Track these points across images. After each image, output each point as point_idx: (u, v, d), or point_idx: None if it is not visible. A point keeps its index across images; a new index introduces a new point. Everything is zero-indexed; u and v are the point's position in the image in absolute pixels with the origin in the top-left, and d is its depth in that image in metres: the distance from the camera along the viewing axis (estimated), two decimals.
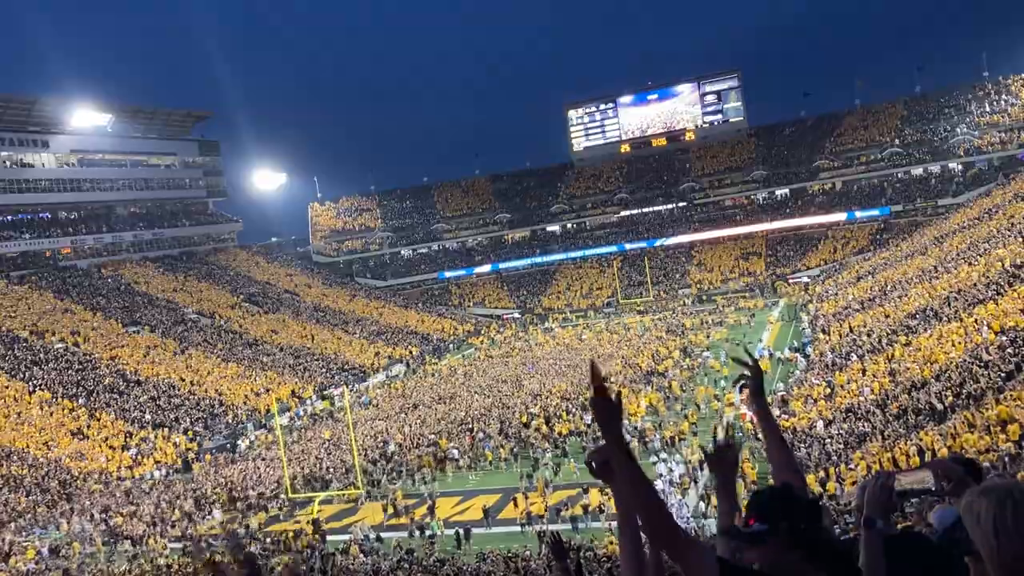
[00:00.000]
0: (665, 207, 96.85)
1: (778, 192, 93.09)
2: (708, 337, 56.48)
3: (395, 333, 74.76)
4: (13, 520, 35.23)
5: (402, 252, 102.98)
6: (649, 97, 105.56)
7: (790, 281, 75.88)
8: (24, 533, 33.96)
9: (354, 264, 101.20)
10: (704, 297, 77.28)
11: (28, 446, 42.65)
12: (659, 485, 26.90)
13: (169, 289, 74.33)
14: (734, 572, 2.43)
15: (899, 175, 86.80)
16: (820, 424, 30.51)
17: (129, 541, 32.04)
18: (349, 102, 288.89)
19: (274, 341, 67.20)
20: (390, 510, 32.28)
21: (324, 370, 62.08)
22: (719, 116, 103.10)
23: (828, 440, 28.39)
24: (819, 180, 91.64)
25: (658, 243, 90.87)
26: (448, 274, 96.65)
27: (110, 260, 77.42)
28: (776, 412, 33.09)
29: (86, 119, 79.08)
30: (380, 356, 67.26)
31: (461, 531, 28.46)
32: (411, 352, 69.38)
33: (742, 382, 3.38)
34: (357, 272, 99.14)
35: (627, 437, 25.43)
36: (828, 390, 34.48)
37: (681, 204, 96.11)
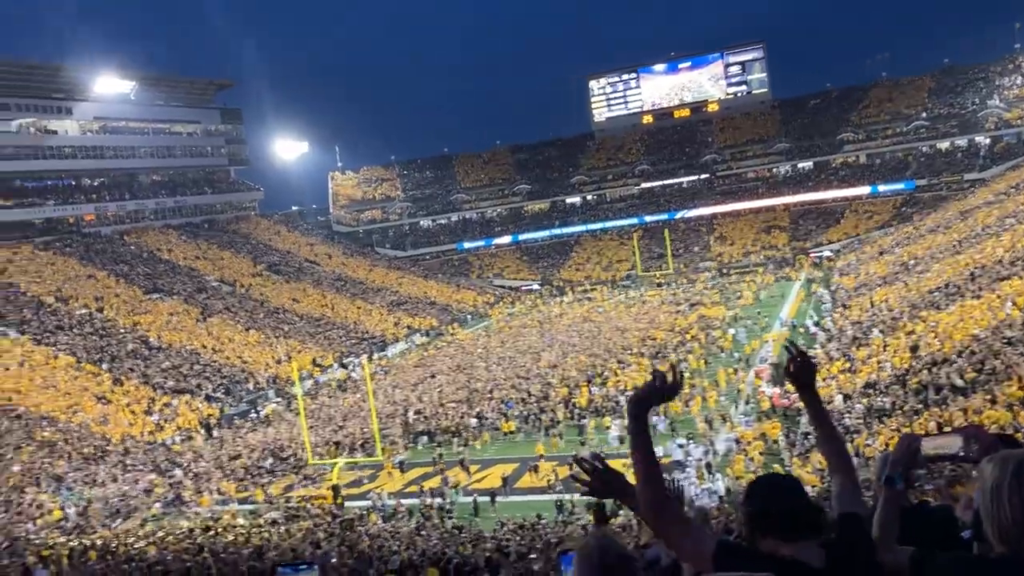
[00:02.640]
0: (686, 179, 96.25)
1: (801, 165, 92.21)
2: (728, 311, 56.34)
3: (414, 303, 75.08)
4: (43, 481, 35.91)
5: (422, 222, 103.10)
6: (675, 67, 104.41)
7: (812, 255, 75.40)
8: (54, 493, 34.62)
9: (374, 234, 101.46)
10: (725, 270, 76.95)
11: (54, 410, 43.34)
12: (680, 475, 26.96)
13: (191, 257, 74.88)
14: (734, 554, 2.38)
15: (925, 149, 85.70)
16: (839, 398, 30.45)
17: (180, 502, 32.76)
18: (370, 72, 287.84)
19: (295, 310, 67.69)
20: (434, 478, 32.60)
21: (344, 339, 62.52)
22: (743, 88, 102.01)
23: (847, 415, 28.35)
24: (843, 153, 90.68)
25: (679, 215, 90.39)
26: (467, 245, 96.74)
27: (133, 227, 78.01)
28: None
29: (109, 86, 79.34)
30: (399, 326, 67.63)
31: (482, 498, 28.88)
32: (431, 322, 69.71)
33: (785, 374, 3.16)
34: (377, 242, 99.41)
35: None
36: (848, 364, 34.36)
37: (703, 176, 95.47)
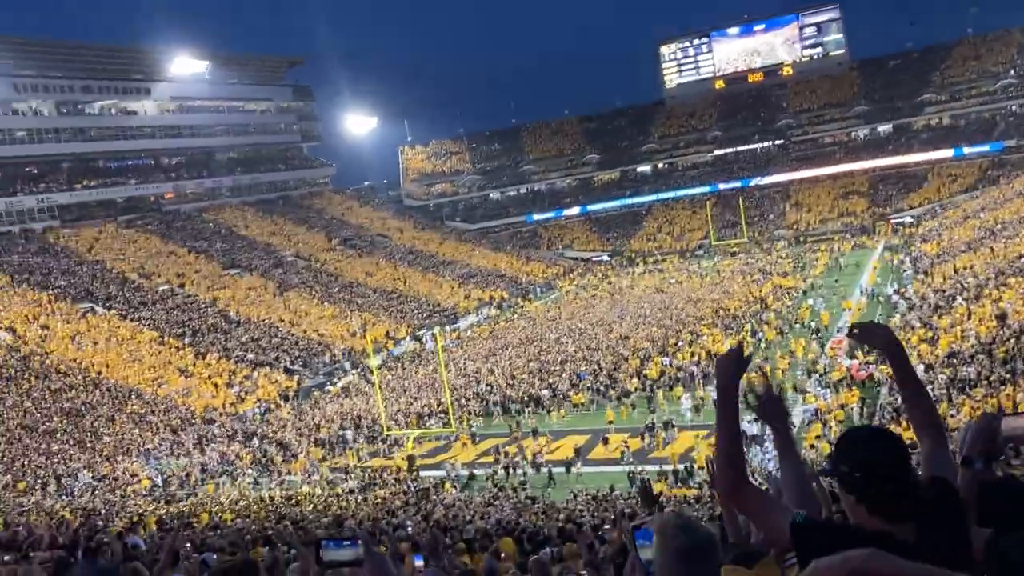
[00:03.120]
0: (761, 145, 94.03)
1: (880, 128, 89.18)
2: (804, 280, 55.13)
3: (484, 276, 75.42)
4: (132, 451, 37.40)
5: (491, 195, 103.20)
6: (750, 29, 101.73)
7: (892, 221, 73.11)
8: (143, 462, 36.01)
9: (444, 207, 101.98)
10: (801, 238, 75.21)
11: (140, 383, 44.98)
12: (758, 449, 26.64)
13: (267, 232, 76.50)
14: (812, 529, 2.21)
15: (1014, 108, 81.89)
16: (920, 368, 29.56)
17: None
18: (438, 45, 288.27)
19: (368, 283, 68.71)
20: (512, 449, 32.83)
21: (416, 312, 63.24)
22: (819, 50, 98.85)
23: (929, 386, 27.51)
24: (925, 115, 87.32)
25: (753, 183, 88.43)
26: (537, 217, 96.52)
27: (210, 204, 80.00)
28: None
29: (184, 66, 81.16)
30: (470, 298, 68.08)
31: (556, 468, 29.02)
32: (501, 295, 69.98)
33: (757, 414, 2.99)
34: (447, 215, 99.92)
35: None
36: (930, 334, 33.31)
37: (778, 142, 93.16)
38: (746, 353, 2.58)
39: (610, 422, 32.96)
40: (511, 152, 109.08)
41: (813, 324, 41.57)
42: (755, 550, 2.52)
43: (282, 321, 56.85)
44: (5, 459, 35.19)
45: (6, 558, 10.63)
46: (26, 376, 42.66)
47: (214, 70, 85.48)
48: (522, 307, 66.36)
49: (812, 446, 25.95)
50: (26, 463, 35.04)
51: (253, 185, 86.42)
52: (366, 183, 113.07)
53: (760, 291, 52.29)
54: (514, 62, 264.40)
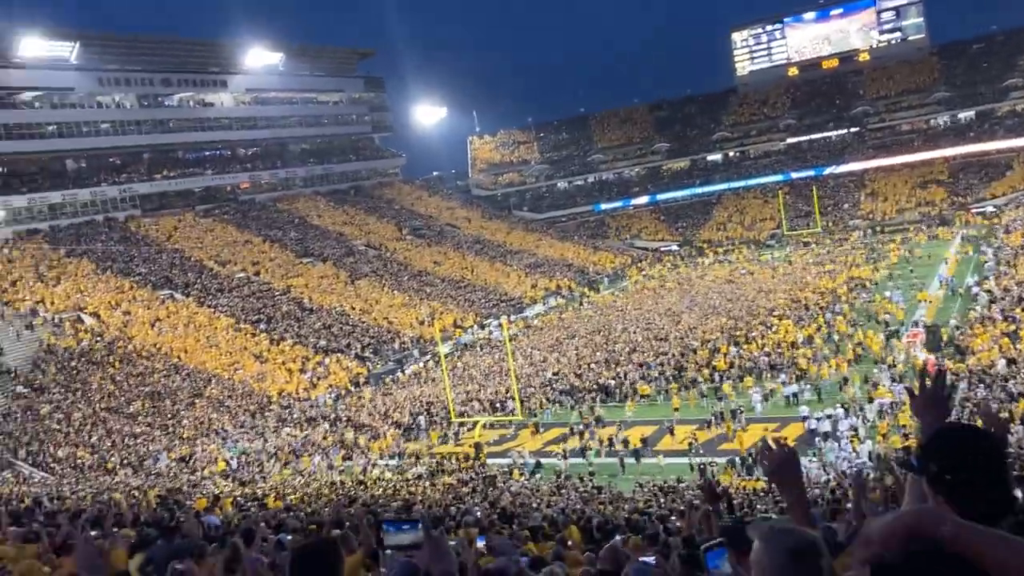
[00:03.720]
0: (835, 133, 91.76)
1: (962, 115, 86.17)
2: (877, 271, 53.74)
3: (551, 265, 75.44)
4: (209, 433, 38.61)
5: (558, 184, 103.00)
6: (826, 14, 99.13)
7: (972, 210, 70.66)
8: (220, 445, 37.13)
9: (511, 197, 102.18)
10: (877, 228, 73.24)
11: (217, 368, 46.34)
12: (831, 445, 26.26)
13: (339, 222, 77.79)
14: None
15: None
16: (1002, 363, 28.64)
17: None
18: (508, 35, 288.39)
19: (437, 272, 69.39)
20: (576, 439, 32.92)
21: (484, 301, 63.67)
22: (897, 34, 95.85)
23: (1011, 380, 26.64)
24: (1009, 101, 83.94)
25: (827, 171, 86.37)
26: (604, 206, 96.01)
27: (284, 194, 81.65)
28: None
29: (259, 59, 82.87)
30: (537, 288, 68.20)
31: (628, 459, 29.06)
32: (568, 284, 69.93)
33: (764, 471, 2.80)
34: (514, 205, 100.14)
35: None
36: (1012, 327, 32.22)
37: (853, 130, 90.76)
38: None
39: (675, 409, 32.97)
40: (579, 141, 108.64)
41: (888, 317, 40.53)
42: (838, 541, 2.53)
43: (353, 309, 57.84)
44: (92, 440, 36.67)
45: (92, 533, 11.12)
46: (110, 360, 44.33)
47: (288, 62, 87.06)
48: (589, 297, 66.21)
49: (884, 436, 25.63)
50: (111, 444, 36.46)
51: (325, 175, 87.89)
52: (435, 173, 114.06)
53: (833, 282, 51.17)
54: (584, 51, 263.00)
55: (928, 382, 2.62)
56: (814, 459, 25.94)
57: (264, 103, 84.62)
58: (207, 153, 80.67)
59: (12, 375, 41.32)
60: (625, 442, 30.64)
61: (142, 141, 72.91)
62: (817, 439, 27.30)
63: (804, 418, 29.39)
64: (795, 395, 31.90)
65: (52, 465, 34.08)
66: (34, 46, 64.26)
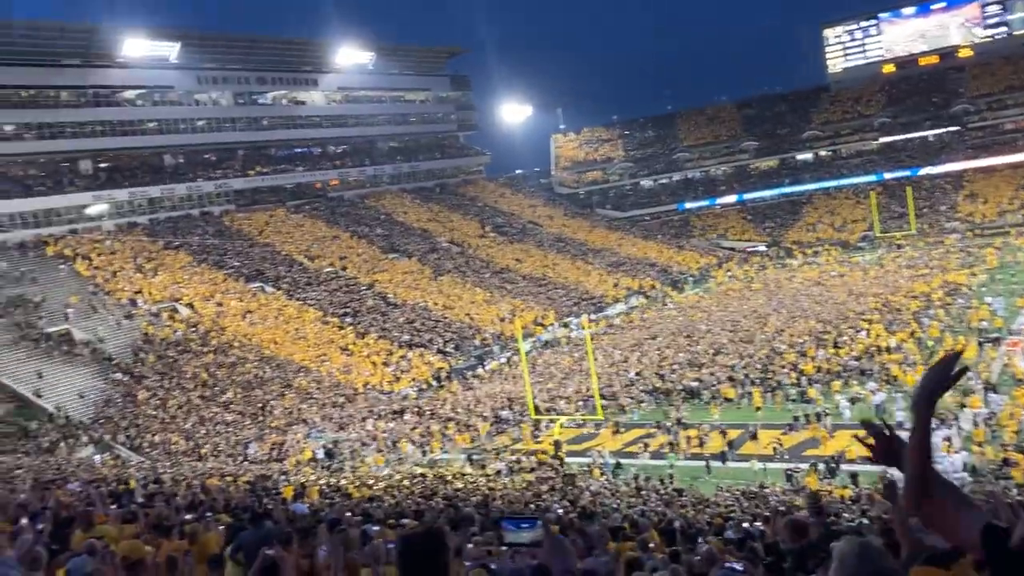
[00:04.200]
0: (932, 132, 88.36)
1: None
2: (974, 276, 51.62)
3: (634, 264, 74.85)
4: (297, 423, 39.62)
5: (642, 183, 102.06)
6: (927, 9, 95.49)
7: None
8: (307, 435, 38.07)
9: (594, 195, 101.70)
10: (976, 231, 70.34)
11: (305, 360, 47.52)
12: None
13: (424, 219, 78.80)
14: (1002, 539, 2.03)
15: None
16: None
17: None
18: (593, 32, 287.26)
19: (518, 270, 69.64)
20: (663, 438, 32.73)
21: (565, 299, 63.60)
22: (1002, 29, 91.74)
23: None
24: None
25: (923, 171, 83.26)
26: (689, 205, 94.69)
27: (372, 191, 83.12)
28: None
29: (349, 58, 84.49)
30: (619, 287, 67.77)
31: (714, 462, 28.69)
32: (650, 284, 69.28)
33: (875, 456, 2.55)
34: (597, 203, 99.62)
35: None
36: None
37: (952, 129, 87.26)
38: (957, 368, 2.29)
39: (757, 409, 32.59)
40: (664, 139, 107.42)
41: (984, 323, 38.86)
42: (948, 552, 2.45)
43: (436, 304, 58.54)
44: (186, 426, 38.07)
45: (187, 517, 11.55)
46: (205, 350, 45.91)
47: (378, 61, 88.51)
48: (672, 297, 65.43)
49: (979, 446, 24.65)
50: (204, 431, 37.76)
51: (412, 173, 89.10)
52: (518, 171, 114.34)
53: (928, 286, 49.37)
54: (671, 49, 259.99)
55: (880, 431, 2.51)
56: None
57: (354, 101, 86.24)
58: (298, 150, 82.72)
59: (112, 362, 43.15)
60: (702, 442, 30.26)
61: (237, 138, 75.24)
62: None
63: (899, 424, 28.48)
64: (881, 405, 30.84)
65: (147, 449, 35.51)
66: (137, 46, 66.93)
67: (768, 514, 14.24)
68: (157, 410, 39.34)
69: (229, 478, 25.34)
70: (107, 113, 64.92)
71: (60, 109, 62.33)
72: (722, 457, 29.10)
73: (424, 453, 33.90)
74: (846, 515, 17.71)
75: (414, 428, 37.63)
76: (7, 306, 46.07)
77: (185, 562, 7.00)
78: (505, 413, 38.21)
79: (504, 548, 8.74)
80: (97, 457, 33.23)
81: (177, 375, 43.01)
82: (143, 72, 67.87)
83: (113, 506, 13.05)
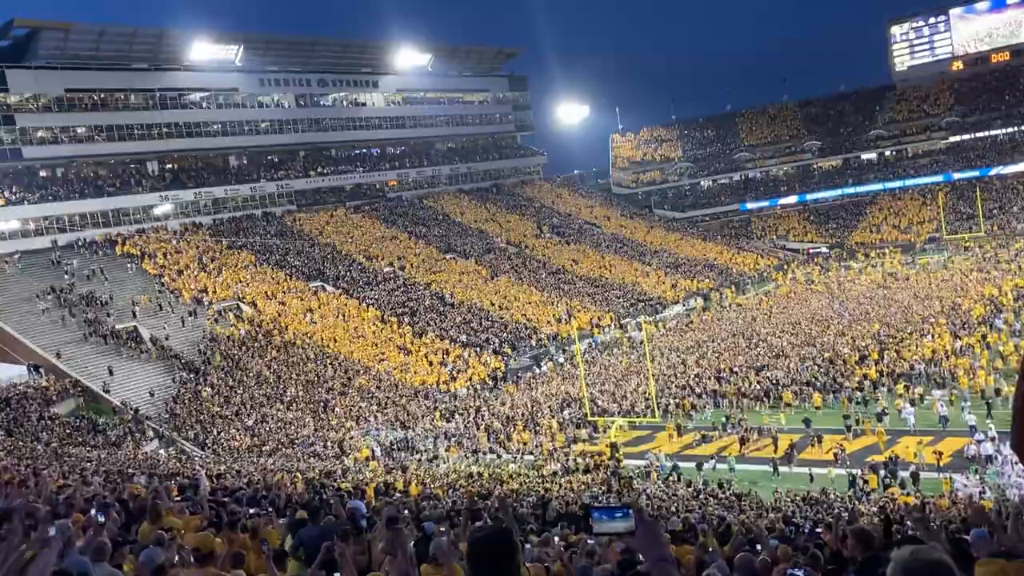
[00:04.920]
0: (1004, 131, 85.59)
1: None
2: None
3: (692, 265, 74.06)
4: (359, 420, 40.12)
5: (701, 183, 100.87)
6: (1003, 3, 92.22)
7: None
8: (365, 433, 38.52)
9: (652, 195, 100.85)
10: None
11: (363, 358, 48.09)
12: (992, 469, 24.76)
13: (481, 219, 79.09)
14: None
15: None
16: None
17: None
18: (651, 31, 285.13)
19: (575, 271, 69.44)
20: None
21: (621, 300, 63.24)
22: None
23: None
24: None
25: (993, 172, 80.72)
26: (750, 205, 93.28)
27: (429, 192, 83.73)
28: None
29: (408, 60, 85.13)
30: (677, 288, 67.11)
31: (767, 467, 28.24)
32: (709, 285, 68.48)
33: None
34: (655, 203, 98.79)
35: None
36: None
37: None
38: None
39: (816, 408, 32.84)
40: (724, 138, 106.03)
41: None
42: (1014, 550, 2.42)
43: (492, 305, 58.70)
44: (249, 422, 38.80)
45: (251, 511, 11.78)
46: (267, 348, 46.77)
47: (436, 62, 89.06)
48: (732, 299, 64.55)
49: None
50: (267, 428, 38.45)
51: (469, 174, 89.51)
52: (575, 171, 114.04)
53: (997, 290, 47.87)
54: (729, 48, 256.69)
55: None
56: (972, 476, 24.53)
57: (413, 103, 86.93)
58: (358, 151, 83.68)
59: (178, 359, 44.21)
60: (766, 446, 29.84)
61: (299, 139, 76.45)
62: (978, 459, 25.72)
63: (971, 428, 27.75)
64: (947, 417, 29.96)
65: (211, 445, 36.29)
66: (203, 50, 68.43)
67: (831, 520, 13.96)
68: (221, 407, 40.17)
69: (290, 474, 25.76)
70: (174, 115, 66.50)
71: (130, 112, 64.08)
72: (785, 461, 28.65)
73: (490, 450, 34.06)
74: (907, 522, 17.27)
75: (477, 425, 37.83)
76: (78, 303, 47.54)
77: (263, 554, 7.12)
78: (567, 412, 38.19)
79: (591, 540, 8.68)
80: (162, 452, 34.10)
81: (241, 372, 43.88)
82: (208, 75, 69.40)
83: (178, 499, 13.37)
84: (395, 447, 36.31)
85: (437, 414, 40.76)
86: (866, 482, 25.44)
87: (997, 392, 30.54)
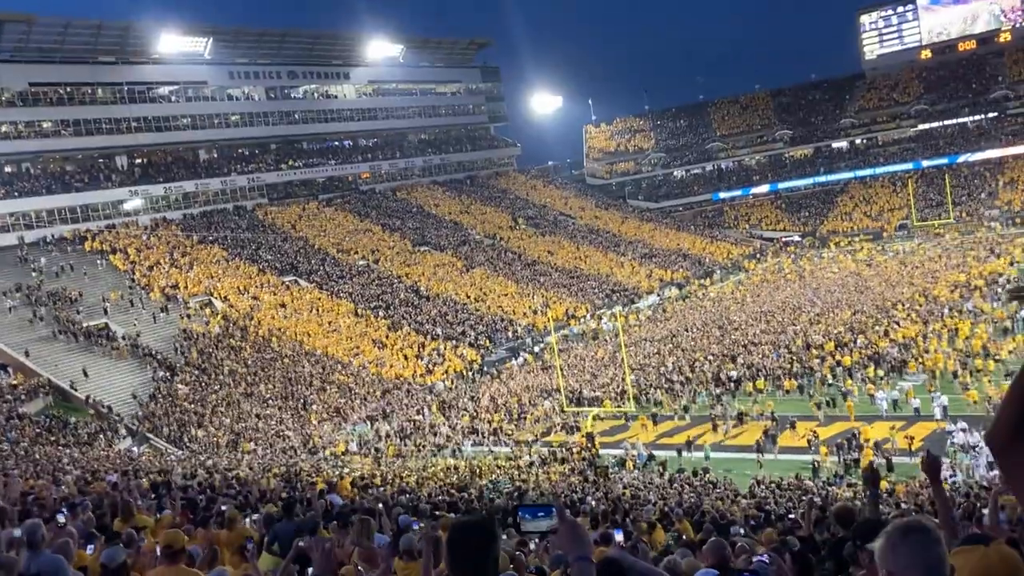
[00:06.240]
0: (971, 119, 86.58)
1: None
2: (1013, 266, 50.63)
3: (666, 255, 74.39)
4: (335, 415, 39.93)
5: (675, 173, 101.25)
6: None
7: None
8: (340, 427, 38.37)
9: (626, 186, 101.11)
10: (1016, 219, 68.97)
11: (338, 352, 47.84)
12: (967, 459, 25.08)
13: (455, 211, 78.90)
14: None
15: None
16: None
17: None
18: (623, 22, 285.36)
19: (550, 262, 69.50)
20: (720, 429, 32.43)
21: (597, 291, 63.39)
22: None
23: None
24: None
25: (961, 159, 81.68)
26: (723, 195, 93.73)
27: (403, 184, 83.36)
28: None
29: (380, 51, 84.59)
30: (651, 278, 67.40)
31: (748, 454, 28.43)
32: (683, 275, 68.83)
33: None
34: (629, 194, 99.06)
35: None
36: None
37: (991, 115, 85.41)
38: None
39: (786, 392, 33.71)
40: (697, 128, 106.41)
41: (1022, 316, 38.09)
42: (983, 535, 2.44)
43: (468, 297, 58.62)
44: (225, 419, 38.46)
45: (222, 508, 11.66)
46: (242, 344, 46.36)
47: (408, 54, 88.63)
48: (705, 288, 64.93)
49: None
50: (243, 425, 38.13)
51: (442, 165, 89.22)
52: (549, 162, 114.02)
53: (965, 276, 48.49)
54: (701, 38, 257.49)
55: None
56: (945, 459, 24.85)
57: (385, 95, 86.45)
58: (330, 144, 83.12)
59: (151, 356, 43.71)
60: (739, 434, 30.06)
61: (270, 132, 75.77)
62: (951, 445, 26.11)
63: (943, 409, 28.26)
64: (918, 410, 30.30)
65: (187, 442, 35.95)
66: (171, 43, 67.53)
67: (803, 507, 14.09)
68: (195, 404, 39.78)
69: (264, 470, 25.60)
70: (142, 109, 65.58)
71: (97, 106, 63.15)
72: (764, 447, 28.88)
73: (435, 451, 33.99)
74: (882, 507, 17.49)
75: (427, 424, 37.81)
76: (46, 301, 46.86)
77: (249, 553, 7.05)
78: (547, 403, 38.29)
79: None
80: (135, 449, 33.74)
81: (214, 369, 43.48)
82: (177, 68, 68.53)
83: (151, 497, 13.24)
84: (373, 441, 36.19)
85: (434, 407, 40.60)
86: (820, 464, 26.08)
87: (955, 375, 31.16)
